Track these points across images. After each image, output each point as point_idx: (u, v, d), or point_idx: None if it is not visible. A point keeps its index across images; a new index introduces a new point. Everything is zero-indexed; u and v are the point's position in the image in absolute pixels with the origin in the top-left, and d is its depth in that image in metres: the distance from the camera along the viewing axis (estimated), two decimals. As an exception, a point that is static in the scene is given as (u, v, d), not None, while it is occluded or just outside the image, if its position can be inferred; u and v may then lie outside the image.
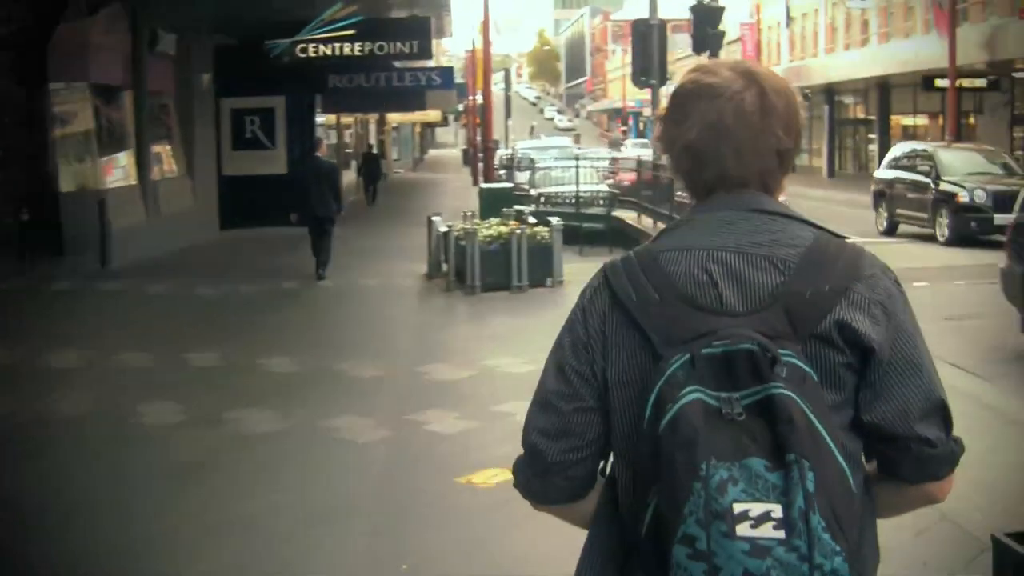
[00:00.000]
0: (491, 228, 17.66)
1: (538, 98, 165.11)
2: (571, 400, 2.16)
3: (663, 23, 21.69)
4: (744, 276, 2.08)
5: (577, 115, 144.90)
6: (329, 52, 23.17)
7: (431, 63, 36.12)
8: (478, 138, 51.67)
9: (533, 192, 26.51)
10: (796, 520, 1.79)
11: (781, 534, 1.79)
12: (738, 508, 1.80)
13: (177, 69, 24.94)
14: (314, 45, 23.19)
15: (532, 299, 16.33)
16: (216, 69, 26.92)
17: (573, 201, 23.87)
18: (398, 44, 22.65)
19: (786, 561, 1.78)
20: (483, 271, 16.86)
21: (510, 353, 12.05)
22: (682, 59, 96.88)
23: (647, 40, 21.38)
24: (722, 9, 17.11)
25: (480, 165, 42.06)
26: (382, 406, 9.94)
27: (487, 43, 35.08)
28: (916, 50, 40.06)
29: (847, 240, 2.18)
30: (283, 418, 9.56)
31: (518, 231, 17.04)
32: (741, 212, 2.16)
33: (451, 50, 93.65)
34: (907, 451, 2.09)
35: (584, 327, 2.18)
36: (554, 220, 18.11)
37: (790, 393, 1.88)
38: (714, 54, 16.04)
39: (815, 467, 1.82)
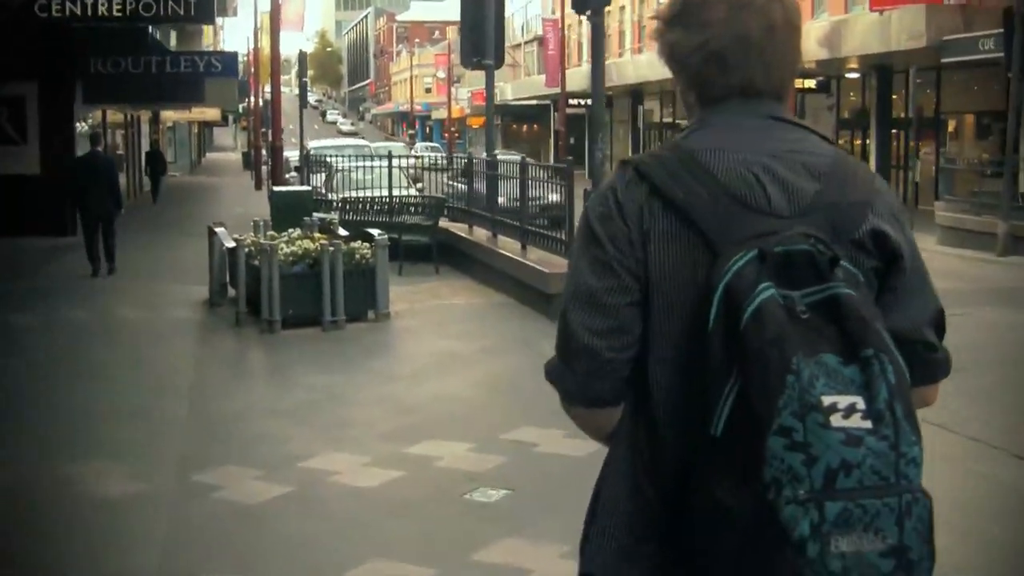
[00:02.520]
0: (294, 244, 13.37)
1: (320, 101, 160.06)
2: (622, 294, 2.08)
3: (501, -11, 17.72)
4: (786, 180, 2.08)
5: (362, 118, 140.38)
6: (78, 10, 17.66)
7: (209, 47, 31.24)
8: (263, 138, 47.04)
9: (332, 197, 22.07)
10: (883, 410, 1.82)
11: (869, 424, 1.81)
12: (827, 400, 1.81)
13: None
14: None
15: (353, 340, 12.07)
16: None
17: (385, 208, 19.51)
18: (170, 1, 17.51)
19: (877, 450, 1.81)
20: (285, 301, 12.54)
21: (340, 443, 7.86)
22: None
23: (480, 9, 17.33)
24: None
25: (266, 167, 37.60)
26: (141, 569, 5.61)
27: (276, 28, 30.53)
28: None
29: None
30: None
31: (331, 248, 12.76)
32: (764, 119, 2.16)
33: (233, 49, 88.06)
34: (914, 355, 2.06)
35: (623, 220, 2.09)
36: (375, 233, 13.95)
37: (852, 292, 1.92)
38: (597, 12, 12.19)
39: (892, 362, 1.87)
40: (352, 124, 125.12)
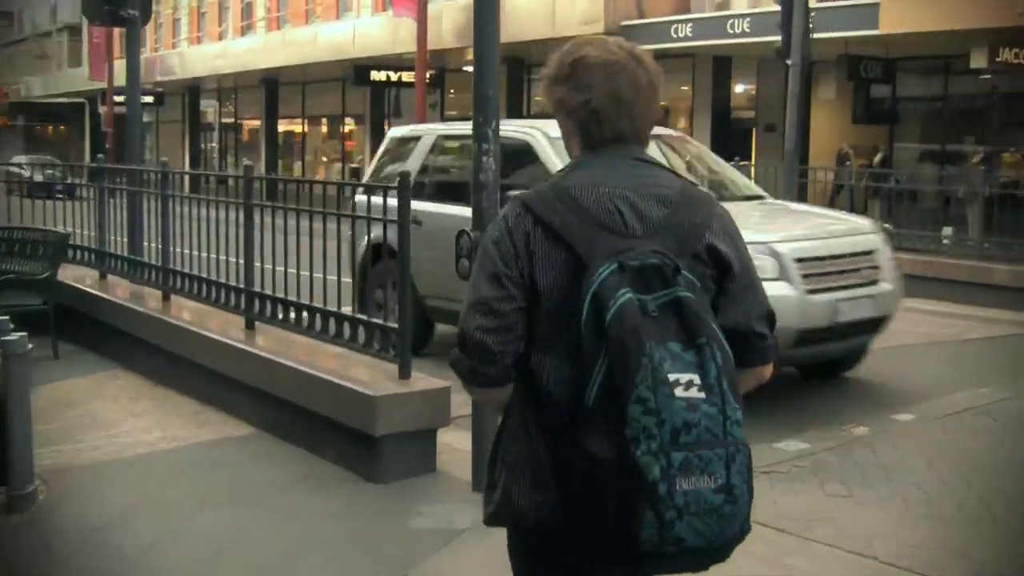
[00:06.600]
0: None
1: None
2: (508, 302, 2.52)
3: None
4: (640, 208, 2.54)
5: None
6: None
7: None
8: None
9: None
10: (713, 384, 2.33)
11: (703, 395, 2.32)
12: (672, 377, 2.30)
13: None
14: None
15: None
16: None
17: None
18: None
19: (710, 413, 2.31)
20: None
21: None
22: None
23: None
24: None
25: None
26: None
27: None
28: (314, 39, 31.57)
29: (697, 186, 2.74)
30: None
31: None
32: (628, 160, 2.64)
33: None
34: (746, 343, 2.58)
35: (511, 243, 2.53)
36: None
37: (690, 294, 2.40)
38: None
39: (719, 348, 2.37)
40: None
